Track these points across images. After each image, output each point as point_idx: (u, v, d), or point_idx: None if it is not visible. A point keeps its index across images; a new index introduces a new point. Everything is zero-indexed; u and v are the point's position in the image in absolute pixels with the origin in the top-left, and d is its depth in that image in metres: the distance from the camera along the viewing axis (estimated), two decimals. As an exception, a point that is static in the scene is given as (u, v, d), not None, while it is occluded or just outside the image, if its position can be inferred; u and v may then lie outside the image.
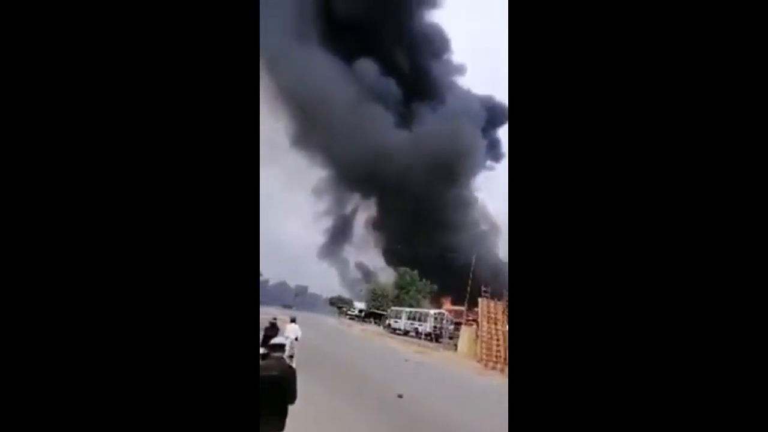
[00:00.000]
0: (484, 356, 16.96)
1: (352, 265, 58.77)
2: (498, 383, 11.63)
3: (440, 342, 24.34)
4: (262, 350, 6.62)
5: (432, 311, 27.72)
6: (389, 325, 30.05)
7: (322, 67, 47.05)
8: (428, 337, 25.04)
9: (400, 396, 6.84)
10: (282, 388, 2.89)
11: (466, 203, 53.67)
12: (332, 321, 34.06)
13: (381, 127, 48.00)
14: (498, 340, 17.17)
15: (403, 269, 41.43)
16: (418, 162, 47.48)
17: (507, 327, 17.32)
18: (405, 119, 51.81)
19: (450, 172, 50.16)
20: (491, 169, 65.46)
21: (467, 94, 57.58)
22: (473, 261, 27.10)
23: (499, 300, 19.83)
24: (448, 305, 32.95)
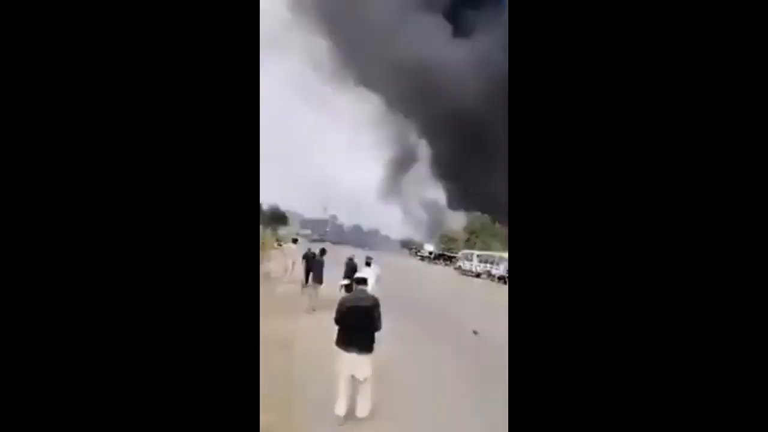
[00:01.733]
0: None
1: (415, 201, 58.64)
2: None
3: (514, 285, 23.80)
4: (345, 281, 7.21)
5: (505, 254, 26.95)
6: (460, 266, 30.26)
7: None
8: (501, 280, 24.72)
9: (476, 332, 6.91)
10: (371, 317, 3.08)
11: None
12: (404, 261, 35.55)
13: (438, 40, 42.35)
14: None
15: (474, 213, 40.19)
16: (480, 82, 41.98)
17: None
18: (462, 30, 45.03)
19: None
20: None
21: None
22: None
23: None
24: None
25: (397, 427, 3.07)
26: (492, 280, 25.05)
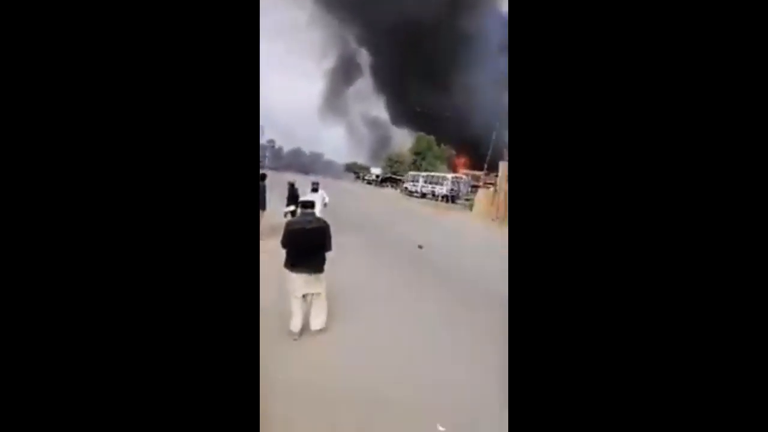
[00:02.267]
0: (499, 215, 17.81)
1: (359, 120, 56.28)
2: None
3: (456, 203, 25.49)
4: (290, 207, 7.00)
5: (450, 175, 28.07)
6: (406, 188, 31.15)
7: None
8: (444, 199, 26.14)
9: (421, 247, 7.39)
10: (322, 239, 3.03)
11: (482, 42, 45.10)
12: (351, 185, 35.47)
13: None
14: (514, 200, 17.70)
15: (419, 134, 39.94)
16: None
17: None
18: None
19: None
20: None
21: None
22: (496, 125, 25.63)
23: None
24: (463, 169, 33.08)
25: (352, 336, 3.28)
26: (436, 200, 26.40)
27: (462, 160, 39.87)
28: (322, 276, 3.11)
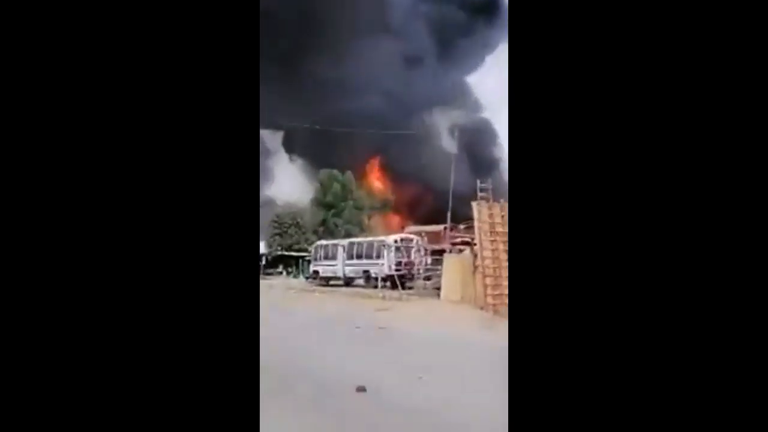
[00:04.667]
0: (490, 298, 9.31)
1: None
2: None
3: (407, 288, 13.60)
4: None
5: (391, 238, 16.21)
6: (315, 272, 17.78)
7: None
8: (387, 282, 14.10)
9: (362, 389, 3.71)
10: None
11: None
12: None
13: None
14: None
15: (324, 171, 25.39)
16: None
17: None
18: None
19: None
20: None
21: None
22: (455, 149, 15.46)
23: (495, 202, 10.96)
24: (412, 226, 21.55)
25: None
26: (373, 286, 14.14)
27: (400, 204, 26.83)
28: None
